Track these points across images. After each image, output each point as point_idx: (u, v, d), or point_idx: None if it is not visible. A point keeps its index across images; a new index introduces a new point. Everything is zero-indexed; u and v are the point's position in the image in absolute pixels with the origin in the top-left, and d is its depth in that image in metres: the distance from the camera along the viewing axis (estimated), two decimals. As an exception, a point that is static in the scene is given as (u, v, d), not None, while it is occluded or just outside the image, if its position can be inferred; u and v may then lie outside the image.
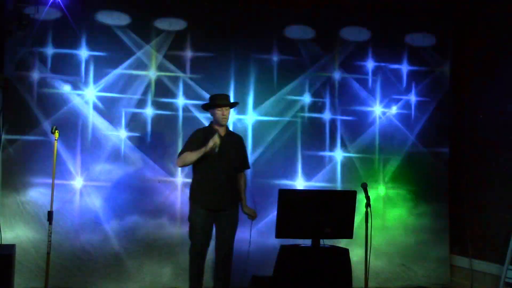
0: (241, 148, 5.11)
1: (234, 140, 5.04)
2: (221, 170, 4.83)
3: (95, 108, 5.68)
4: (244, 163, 5.11)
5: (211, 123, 5.01)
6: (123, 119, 5.73)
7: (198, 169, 4.90)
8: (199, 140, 4.82)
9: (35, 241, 5.43)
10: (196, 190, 4.91)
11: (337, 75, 6.17)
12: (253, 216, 5.04)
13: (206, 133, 4.89)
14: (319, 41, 6.12)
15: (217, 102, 4.90)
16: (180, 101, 5.86)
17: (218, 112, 4.89)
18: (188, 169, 5.72)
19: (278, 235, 4.76)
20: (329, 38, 6.15)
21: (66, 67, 5.65)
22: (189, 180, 5.68)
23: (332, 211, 4.84)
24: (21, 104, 5.51)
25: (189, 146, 4.86)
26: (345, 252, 4.87)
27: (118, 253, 5.61)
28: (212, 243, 4.93)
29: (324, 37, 6.14)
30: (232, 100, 5.21)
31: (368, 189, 4.77)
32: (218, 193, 4.83)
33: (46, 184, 5.41)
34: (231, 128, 5.49)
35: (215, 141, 4.69)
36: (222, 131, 4.93)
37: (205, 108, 5.07)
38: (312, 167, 6.06)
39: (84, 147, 5.64)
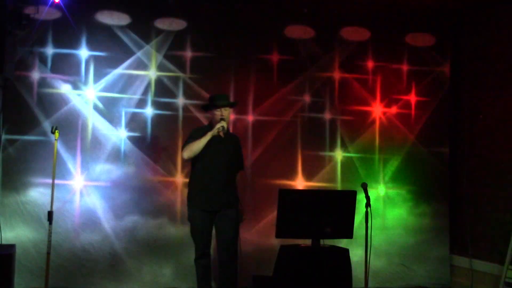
0: (237, 148, 5.07)
1: (232, 141, 5.02)
2: (218, 170, 4.81)
3: (95, 108, 5.69)
4: (238, 164, 5.06)
5: (211, 123, 4.98)
6: (123, 119, 5.74)
7: (195, 169, 4.89)
8: (199, 135, 4.79)
9: (35, 241, 5.43)
10: (192, 191, 4.90)
11: (337, 75, 6.17)
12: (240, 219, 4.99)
13: (205, 130, 4.85)
14: (319, 41, 6.13)
15: (215, 103, 4.88)
16: (180, 101, 5.86)
17: (217, 113, 4.86)
18: (188, 169, 5.75)
19: (278, 235, 4.76)
20: (329, 38, 6.15)
21: (66, 67, 5.65)
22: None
23: (332, 211, 4.84)
24: (21, 104, 5.52)
25: (191, 140, 4.81)
26: (345, 252, 4.87)
27: (118, 253, 5.61)
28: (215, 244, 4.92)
29: (324, 37, 6.14)
30: (231, 100, 5.19)
31: (368, 189, 4.77)
32: (214, 193, 4.80)
33: (46, 184, 5.42)
34: (231, 129, 5.48)
35: (222, 124, 4.72)
36: None
37: (204, 108, 5.07)
38: (312, 167, 6.06)
39: (84, 147, 5.64)
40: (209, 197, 4.80)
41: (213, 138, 4.76)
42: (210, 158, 4.77)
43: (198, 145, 4.73)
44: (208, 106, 4.98)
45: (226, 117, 4.88)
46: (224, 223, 4.83)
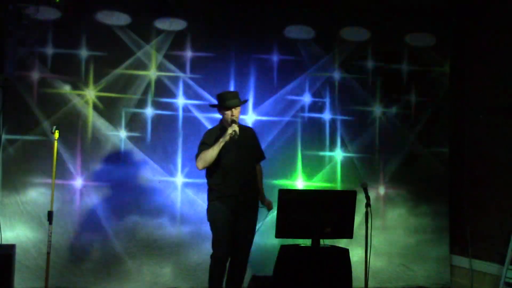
0: (255, 139, 5.01)
1: (247, 134, 4.91)
2: (241, 166, 4.74)
3: (95, 108, 5.68)
4: (259, 154, 5.04)
5: (221, 122, 4.90)
6: (123, 119, 5.74)
7: (217, 166, 4.73)
8: (212, 139, 4.71)
9: (35, 241, 5.43)
10: (217, 188, 4.75)
11: (337, 75, 6.17)
12: (270, 207, 5.00)
13: (217, 132, 4.78)
14: (319, 41, 6.13)
15: (226, 105, 4.73)
16: (180, 101, 5.86)
17: (227, 113, 4.74)
18: (189, 168, 5.75)
19: (278, 235, 4.76)
20: (329, 38, 6.15)
21: (66, 67, 5.65)
22: (189, 180, 5.74)
23: (332, 211, 4.84)
24: (21, 104, 5.52)
25: (204, 146, 4.71)
26: (345, 252, 4.87)
27: (118, 253, 5.61)
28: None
29: (324, 37, 6.14)
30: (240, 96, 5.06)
31: (368, 189, 4.77)
32: (241, 190, 4.72)
33: (46, 184, 5.42)
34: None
35: (234, 128, 4.61)
36: None
37: (214, 107, 4.97)
38: (312, 167, 6.06)
39: (84, 147, 5.64)
40: (235, 195, 4.70)
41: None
42: (226, 159, 4.69)
43: (211, 154, 4.62)
44: (218, 106, 4.86)
45: (236, 117, 4.75)
46: (244, 226, 4.78)
